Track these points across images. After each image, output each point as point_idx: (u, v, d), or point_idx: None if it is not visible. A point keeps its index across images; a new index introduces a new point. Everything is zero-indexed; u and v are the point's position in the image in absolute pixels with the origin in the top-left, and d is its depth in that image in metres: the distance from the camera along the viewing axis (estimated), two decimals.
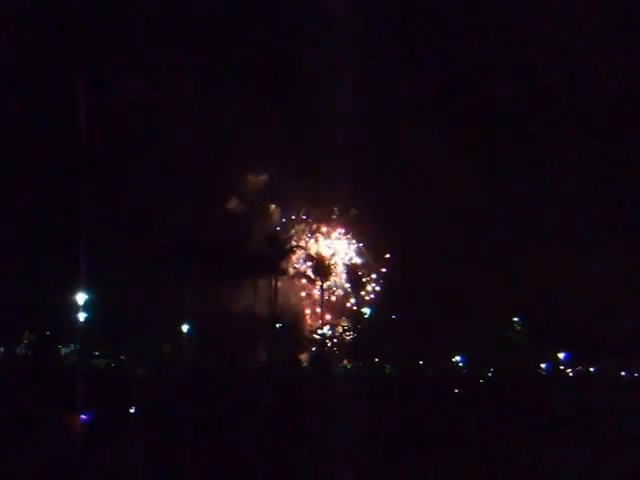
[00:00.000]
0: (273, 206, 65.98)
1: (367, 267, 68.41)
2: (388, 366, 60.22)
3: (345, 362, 62.48)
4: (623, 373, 53.90)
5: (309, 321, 66.83)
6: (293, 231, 66.58)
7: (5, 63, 39.42)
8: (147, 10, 49.07)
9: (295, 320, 65.03)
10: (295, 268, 66.06)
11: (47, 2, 41.53)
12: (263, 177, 64.94)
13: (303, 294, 67.21)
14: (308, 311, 67.12)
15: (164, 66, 51.20)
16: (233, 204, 62.50)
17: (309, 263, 66.32)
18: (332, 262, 67.42)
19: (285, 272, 63.84)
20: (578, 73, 55.94)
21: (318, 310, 65.79)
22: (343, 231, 69.00)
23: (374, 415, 29.27)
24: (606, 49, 53.81)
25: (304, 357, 60.29)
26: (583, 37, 53.65)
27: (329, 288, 67.15)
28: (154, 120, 49.81)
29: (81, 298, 35.57)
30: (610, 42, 53.26)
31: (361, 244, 68.87)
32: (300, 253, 66.52)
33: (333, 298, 67.95)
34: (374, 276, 67.76)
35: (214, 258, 53.39)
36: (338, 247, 68.82)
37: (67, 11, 39.93)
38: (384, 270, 66.62)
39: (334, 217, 68.70)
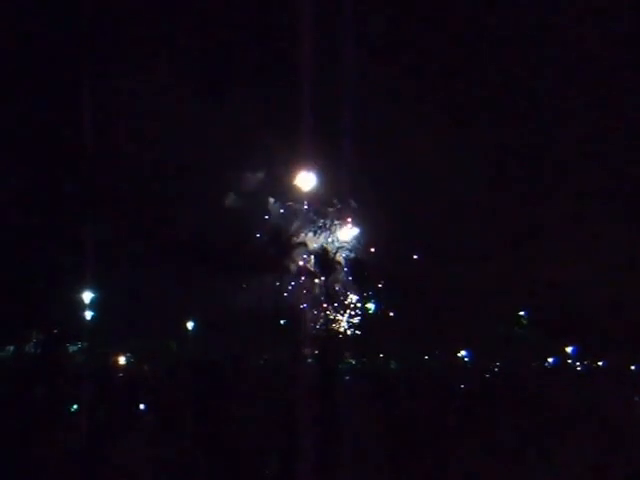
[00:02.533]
0: (272, 200, 65.95)
1: (372, 261, 68.36)
2: (393, 362, 60.22)
3: (350, 358, 62.47)
4: (633, 367, 53.69)
5: (313, 317, 66.84)
6: (295, 225, 66.54)
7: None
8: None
9: (299, 316, 65.05)
10: (298, 264, 66.04)
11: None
12: (261, 174, 64.97)
13: (307, 290, 67.19)
14: (312, 307, 67.11)
15: (164, 62, 51.13)
16: (233, 201, 62.49)
17: (312, 258, 66.29)
18: (335, 257, 67.42)
19: (288, 268, 63.86)
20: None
21: (322, 306, 65.81)
22: (347, 225, 68.90)
23: (379, 412, 29.36)
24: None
25: (309, 353, 60.29)
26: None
27: (333, 283, 67.15)
28: (153, 118, 49.86)
29: (87, 296, 35.75)
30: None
31: (365, 237, 68.78)
32: (303, 248, 66.50)
33: (337, 294, 67.94)
34: (379, 271, 67.69)
35: (217, 255, 53.44)
36: (341, 241, 68.76)
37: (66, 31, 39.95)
38: (389, 265, 66.54)
39: (336, 210, 68.55)
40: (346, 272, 68.47)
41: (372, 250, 68.32)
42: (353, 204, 67.21)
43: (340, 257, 68.44)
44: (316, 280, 66.70)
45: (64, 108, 40.21)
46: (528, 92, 59.90)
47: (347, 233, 69.16)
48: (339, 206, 67.93)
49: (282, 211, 67.02)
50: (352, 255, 68.86)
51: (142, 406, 29.89)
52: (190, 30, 53.10)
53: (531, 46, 58.51)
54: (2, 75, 39.37)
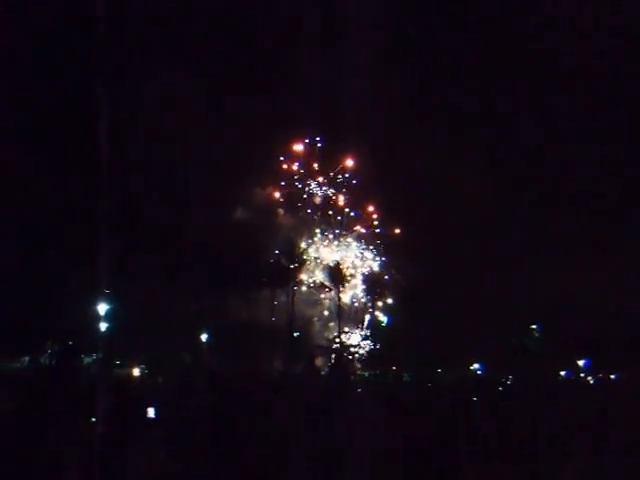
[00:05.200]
0: (282, 211, 66.14)
1: (384, 274, 68.36)
2: (406, 374, 60.18)
3: (363, 370, 62.48)
4: None
5: (326, 330, 66.88)
6: (306, 237, 66.63)
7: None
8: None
9: (312, 329, 65.14)
10: (311, 277, 66.15)
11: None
12: (270, 189, 65.35)
13: (320, 303, 67.26)
14: (325, 320, 67.16)
15: (175, 80, 51.57)
16: (246, 215, 62.76)
17: (325, 271, 66.40)
18: (348, 270, 67.47)
19: (301, 281, 64.00)
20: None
21: (335, 319, 65.85)
22: (357, 237, 68.94)
23: (391, 425, 29.33)
24: None
25: (322, 366, 60.40)
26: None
27: (346, 296, 67.20)
28: (168, 135, 50.37)
29: (102, 308, 36.05)
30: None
31: (377, 250, 68.80)
32: (315, 262, 66.59)
33: (350, 306, 67.96)
34: (391, 284, 67.69)
35: (231, 269, 53.78)
36: (353, 254, 68.78)
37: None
38: (401, 278, 66.57)
39: (346, 222, 68.61)
40: (360, 285, 68.69)
41: (385, 263, 68.75)
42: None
43: (353, 270, 68.69)
44: (329, 293, 66.99)
45: (79, 124, 40.73)
46: (544, 107, 60.06)
47: (360, 247, 69.53)
48: (351, 214, 68.31)
49: (294, 222, 67.51)
50: (365, 269, 69.14)
51: (152, 415, 30.04)
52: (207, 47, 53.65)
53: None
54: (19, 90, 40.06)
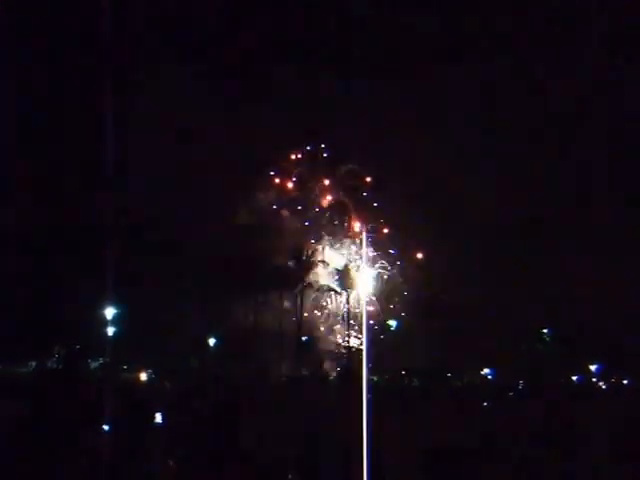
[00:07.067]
0: (287, 213, 66.07)
1: (393, 277, 68.19)
2: (415, 379, 60.04)
3: (372, 375, 62.12)
4: None
5: (335, 334, 66.74)
6: (312, 242, 66.45)
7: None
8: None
9: (321, 333, 65.00)
10: (319, 281, 66.01)
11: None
12: (274, 192, 65.29)
13: (328, 307, 67.13)
14: (333, 324, 67.04)
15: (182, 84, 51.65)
16: (251, 218, 62.68)
17: (333, 275, 66.27)
18: (357, 273, 67.28)
19: (310, 285, 63.86)
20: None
21: (343, 322, 65.71)
22: (367, 241, 68.67)
23: (401, 429, 29.24)
24: None
25: (330, 370, 60.25)
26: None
27: (354, 300, 67.05)
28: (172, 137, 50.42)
29: (110, 313, 36.02)
30: None
31: (387, 254, 68.62)
32: (323, 265, 66.44)
33: (358, 310, 67.78)
34: (400, 287, 67.49)
35: (238, 273, 53.72)
36: (362, 257, 68.53)
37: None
38: (411, 281, 66.37)
39: (354, 228, 68.41)
40: (367, 289, 68.36)
41: (395, 266, 68.49)
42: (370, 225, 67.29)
43: (362, 273, 68.35)
44: (337, 297, 66.84)
45: (85, 129, 40.84)
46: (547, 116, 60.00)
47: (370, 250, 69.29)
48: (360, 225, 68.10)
49: (299, 225, 67.25)
50: (374, 272, 68.85)
51: (160, 420, 29.98)
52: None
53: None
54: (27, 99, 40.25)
